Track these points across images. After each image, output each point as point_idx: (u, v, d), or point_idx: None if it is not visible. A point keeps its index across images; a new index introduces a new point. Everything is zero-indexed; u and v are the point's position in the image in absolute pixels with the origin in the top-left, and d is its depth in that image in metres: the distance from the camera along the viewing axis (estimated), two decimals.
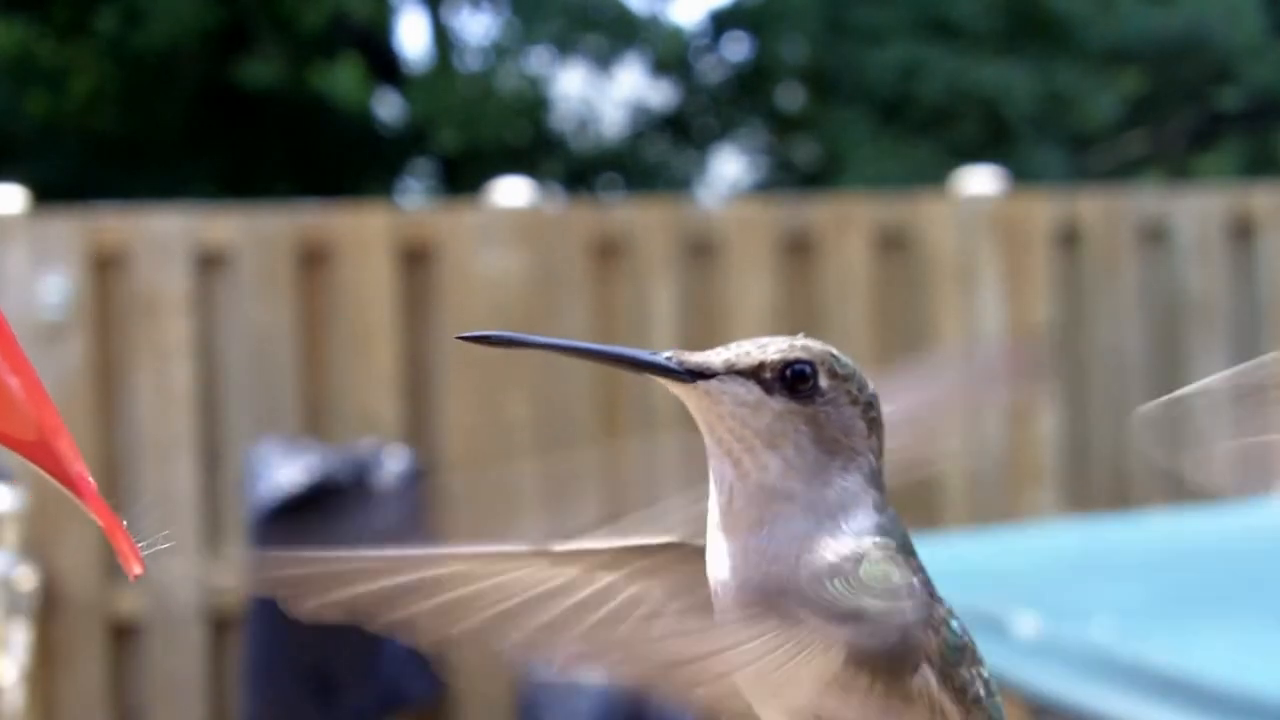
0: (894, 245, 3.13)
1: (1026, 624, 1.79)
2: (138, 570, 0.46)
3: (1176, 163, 9.09)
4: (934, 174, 4.33)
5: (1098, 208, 3.29)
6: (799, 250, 3.10)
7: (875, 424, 0.58)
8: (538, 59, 7.93)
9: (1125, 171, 8.39)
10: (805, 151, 8.42)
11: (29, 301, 2.83)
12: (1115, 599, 1.89)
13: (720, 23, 8.11)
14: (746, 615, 0.55)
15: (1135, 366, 3.24)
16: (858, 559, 0.55)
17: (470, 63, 8.28)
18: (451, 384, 2.97)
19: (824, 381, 0.57)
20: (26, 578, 2.54)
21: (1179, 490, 3.19)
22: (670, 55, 7.91)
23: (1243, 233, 3.31)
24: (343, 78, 8.49)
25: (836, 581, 0.55)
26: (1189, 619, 1.78)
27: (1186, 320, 3.27)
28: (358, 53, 8.48)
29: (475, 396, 2.97)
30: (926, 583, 0.58)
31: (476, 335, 0.56)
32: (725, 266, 3.06)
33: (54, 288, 2.84)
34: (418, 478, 2.84)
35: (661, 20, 8.07)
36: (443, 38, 8.42)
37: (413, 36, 18.68)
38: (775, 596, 0.54)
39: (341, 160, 7.94)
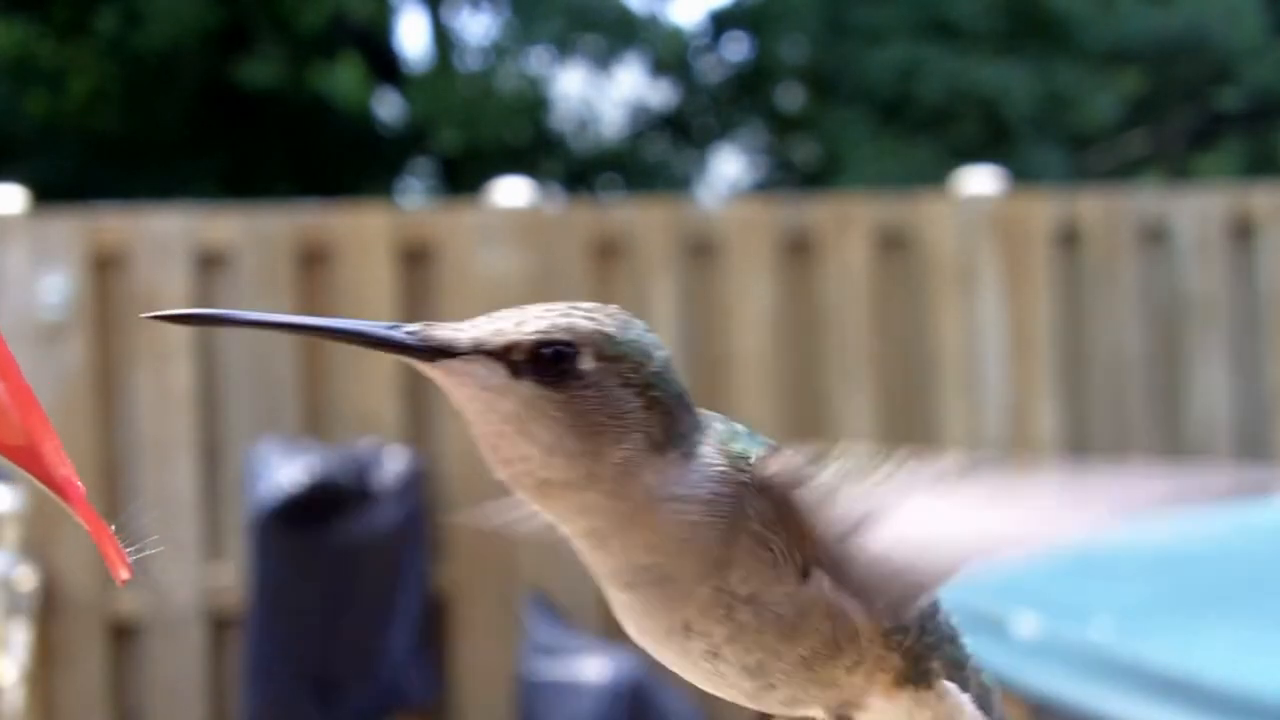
0: (894, 245, 3.13)
1: (1026, 624, 1.79)
2: (125, 575, 0.46)
3: (1176, 163, 9.08)
4: (934, 174, 4.33)
5: (1098, 208, 3.29)
6: (799, 250, 3.10)
7: (657, 403, 0.53)
8: (537, 59, 7.93)
9: (1125, 171, 8.39)
10: (805, 151, 8.42)
11: (29, 301, 2.83)
12: (1115, 599, 1.89)
13: (720, 23, 8.12)
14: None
15: (1135, 366, 3.24)
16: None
17: (470, 63, 8.28)
18: None
19: (586, 364, 0.52)
20: (26, 578, 2.53)
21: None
22: (670, 55, 7.91)
23: (1243, 233, 3.31)
24: (343, 78, 8.48)
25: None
26: (1189, 619, 1.78)
27: (1186, 320, 3.27)
28: (358, 53, 8.47)
29: None
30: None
31: (177, 314, 0.51)
32: (725, 266, 3.06)
33: (54, 288, 2.84)
34: (418, 478, 2.84)
35: (661, 20, 8.08)
36: (443, 38, 8.42)
37: (413, 36, 18.69)
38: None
39: (341, 160, 7.94)
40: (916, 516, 0.52)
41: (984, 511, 0.52)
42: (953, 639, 0.58)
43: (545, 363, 0.51)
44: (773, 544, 0.53)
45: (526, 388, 0.51)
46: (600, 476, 0.52)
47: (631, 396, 0.52)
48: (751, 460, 0.54)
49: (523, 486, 0.53)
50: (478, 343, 0.52)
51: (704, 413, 0.56)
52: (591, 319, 0.52)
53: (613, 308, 0.54)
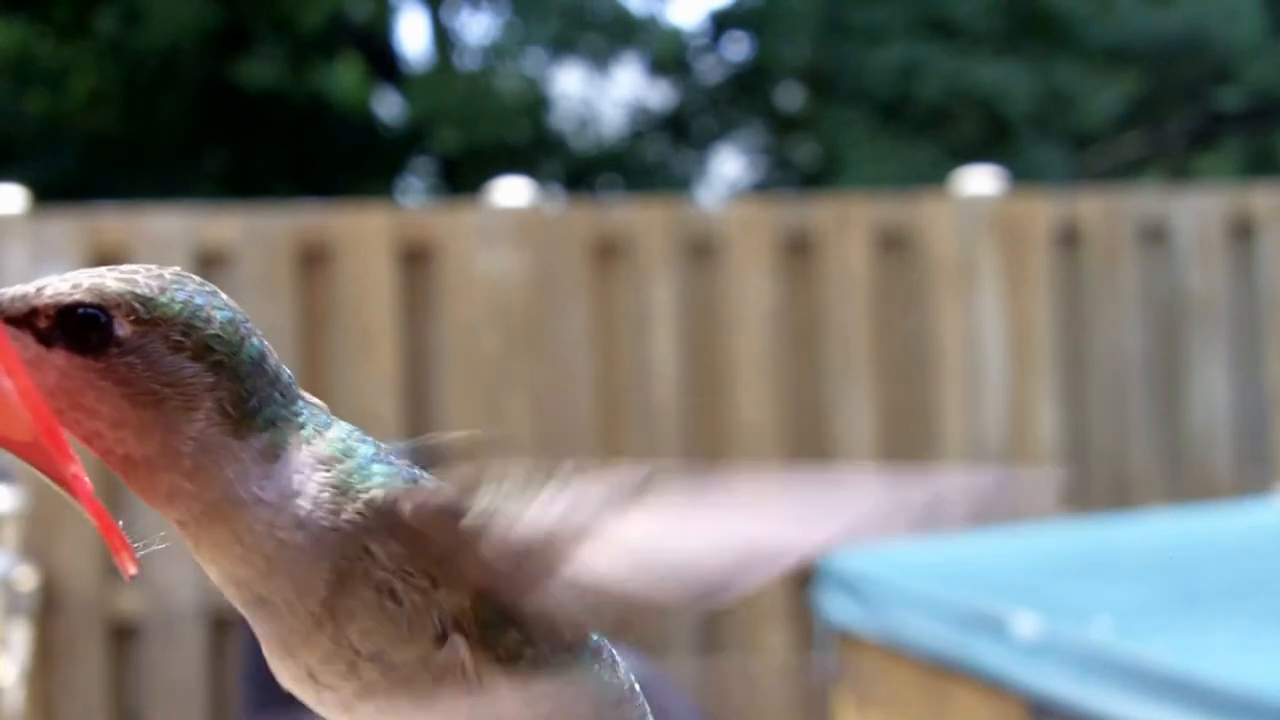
0: (894, 245, 3.13)
1: (1026, 624, 1.79)
2: (133, 570, 0.46)
3: (1176, 163, 9.08)
4: (934, 174, 4.33)
5: (1098, 208, 3.29)
6: (799, 250, 3.10)
7: (223, 368, 0.47)
8: (537, 59, 7.93)
9: (1125, 171, 8.39)
10: (805, 151, 8.42)
11: None
12: (1115, 599, 1.89)
13: (720, 23, 8.12)
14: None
15: (1135, 366, 3.24)
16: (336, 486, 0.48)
17: (470, 63, 8.28)
18: (451, 384, 2.97)
19: (122, 329, 0.46)
20: (26, 578, 2.54)
21: (1179, 490, 3.19)
22: (669, 55, 7.92)
23: (1243, 233, 3.31)
24: (343, 77, 8.48)
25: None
26: (1189, 619, 1.78)
27: (1186, 320, 3.27)
28: (358, 52, 8.47)
29: (475, 396, 2.97)
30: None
31: None
32: (725, 266, 3.06)
33: None
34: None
35: (661, 20, 8.08)
36: (442, 38, 8.42)
37: (413, 36, 18.69)
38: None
39: (341, 160, 7.94)
40: (622, 534, 0.46)
41: (703, 524, 0.46)
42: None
43: (76, 329, 0.46)
44: (403, 597, 0.47)
45: (60, 357, 0.46)
46: (178, 453, 0.47)
47: (186, 362, 0.47)
48: (376, 494, 0.48)
49: (112, 466, 0.48)
50: (3, 308, 0.46)
51: (317, 407, 0.51)
52: (124, 280, 0.47)
53: (168, 269, 0.49)
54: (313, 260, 2.95)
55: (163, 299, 0.47)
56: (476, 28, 8.50)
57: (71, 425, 0.47)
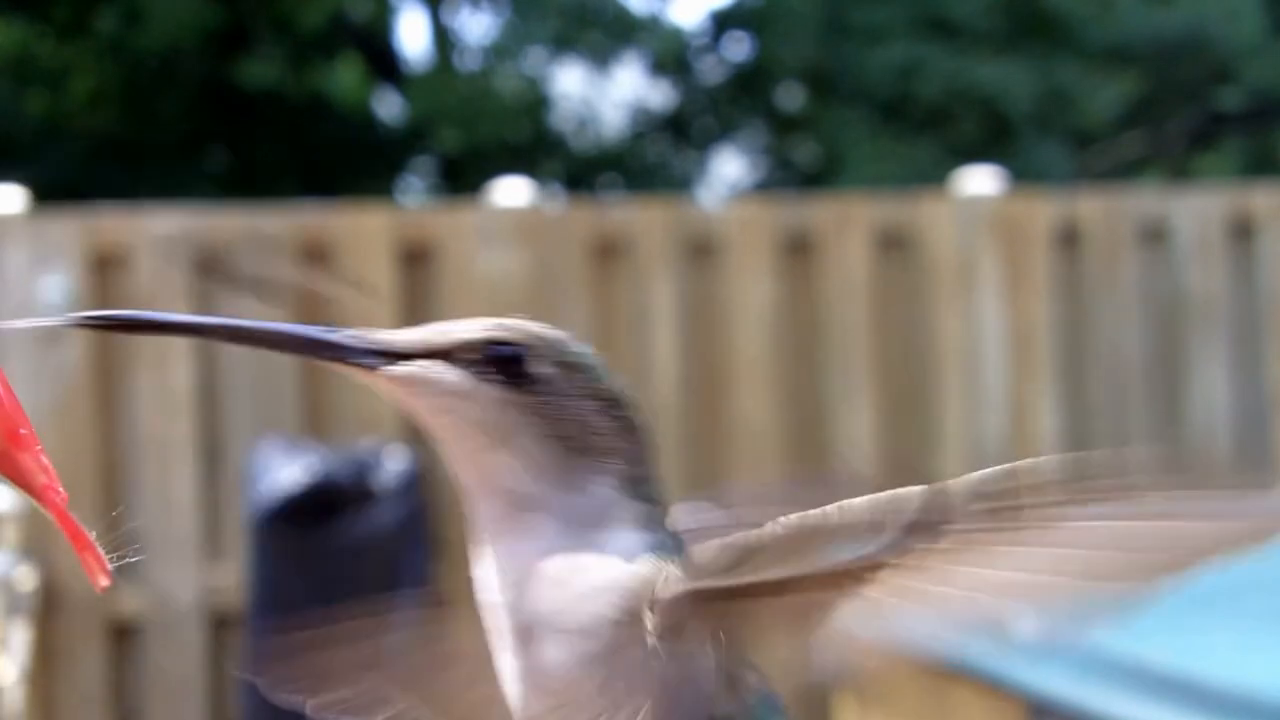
0: (894, 245, 3.13)
1: (1026, 624, 1.79)
2: (104, 582, 0.46)
3: (1176, 163, 9.08)
4: (934, 174, 4.33)
5: (1098, 208, 3.29)
6: (799, 250, 3.10)
7: (628, 425, 0.49)
8: (537, 59, 7.93)
9: (1125, 171, 8.39)
10: (805, 151, 8.42)
11: (29, 301, 2.83)
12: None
13: (720, 23, 8.12)
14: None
15: (1135, 366, 3.24)
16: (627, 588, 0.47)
17: (470, 62, 8.28)
18: None
19: (543, 368, 0.48)
20: (26, 578, 2.54)
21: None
22: (670, 55, 7.91)
23: (1243, 233, 3.31)
24: (343, 77, 8.48)
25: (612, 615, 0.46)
26: (1189, 619, 1.78)
27: (1186, 320, 3.27)
28: (358, 52, 8.48)
29: None
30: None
31: (99, 316, 0.45)
32: (725, 266, 3.06)
33: (54, 288, 2.84)
34: (418, 478, 2.84)
35: (661, 20, 8.08)
36: (442, 37, 8.42)
37: (413, 36, 18.69)
38: (550, 629, 0.47)
39: (341, 160, 7.94)
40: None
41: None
42: None
43: (499, 364, 0.47)
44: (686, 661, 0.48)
45: (494, 389, 0.47)
46: (570, 504, 0.47)
47: (596, 412, 0.48)
48: (674, 571, 0.48)
49: (496, 501, 0.48)
50: (425, 344, 0.48)
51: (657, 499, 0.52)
52: (540, 327, 0.49)
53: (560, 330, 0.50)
54: (313, 260, 2.95)
55: (573, 347, 0.50)
56: (476, 28, 8.51)
57: (482, 456, 0.47)
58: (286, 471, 2.71)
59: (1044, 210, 3.22)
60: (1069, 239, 3.22)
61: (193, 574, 2.87)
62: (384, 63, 8.52)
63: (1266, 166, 8.03)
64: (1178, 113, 8.58)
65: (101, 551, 0.46)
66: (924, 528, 0.46)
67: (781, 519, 0.48)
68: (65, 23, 7.40)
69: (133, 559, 0.48)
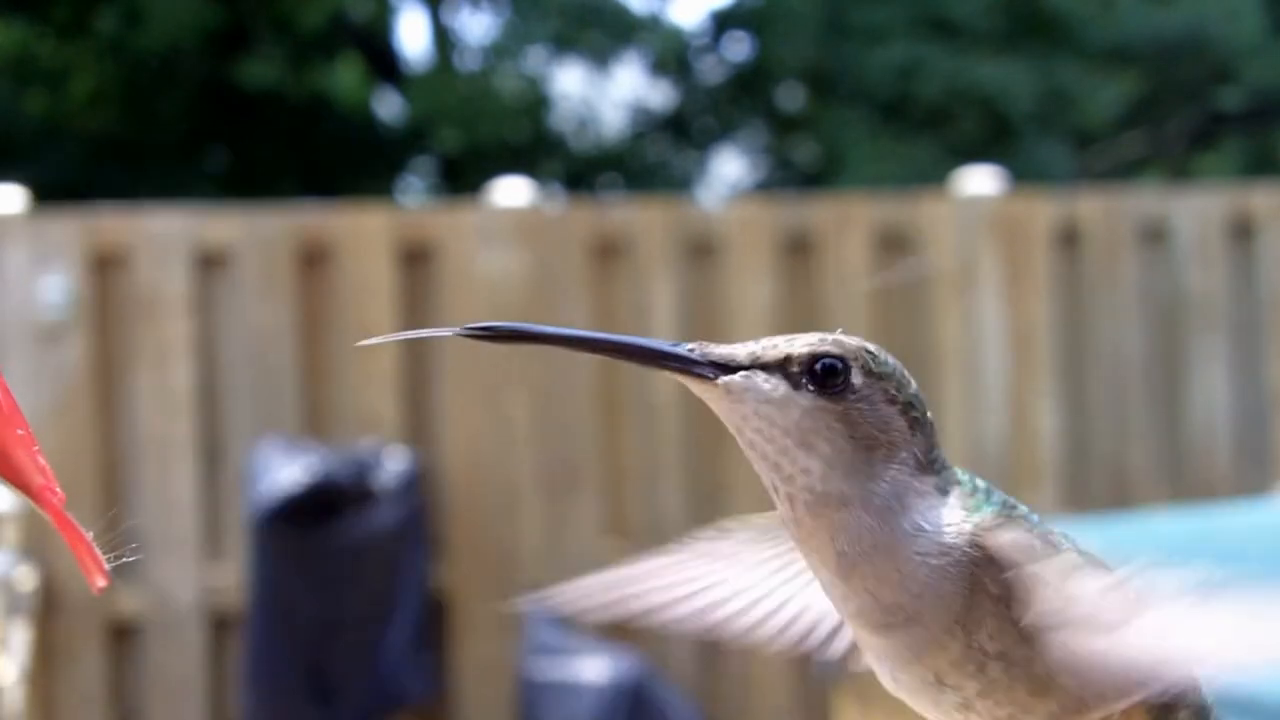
0: (894, 245, 3.13)
1: None
2: (101, 583, 0.46)
3: (1176, 163, 9.08)
4: (934, 174, 4.33)
5: (1098, 208, 3.29)
6: (799, 250, 3.10)
7: (919, 423, 0.55)
8: (537, 59, 7.93)
9: (1125, 171, 8.39)
10: (805, 151, 8.42)
11: (29, 301, 2.83)
12: None
13: (720, 22, 8.12)
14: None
15: (1135, 366, 3.24)
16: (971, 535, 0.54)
17: (470, 62, 8.28)
18: (451, 384, 2.97)
19: (857, 378, 0.54)
20: (26, 578, 2.54)
21: (1179, 490, 3.19)
22: (670, 55, 7.92)
23: (1243, 233, 3.31)
24: (343, 77, 8.49)
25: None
26: None
27: (1186, 320, 3.27)
28: (358, 52, 8.48)
29: (475, 396, 2.97)
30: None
31: (481, 327, 0.53)
32: (725, 266, 3.06)
33: (54, 288, 2.84)
34: (418, 478, 2.84)
35: (661, 20, 8.08)
36: (443, 37, 8.42)
37: (413, 36, 18.69)
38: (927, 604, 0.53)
39: (341, 160, 7.94)
40: (1146, 626, 0.53)
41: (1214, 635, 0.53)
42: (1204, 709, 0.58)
43: (820, 376, 0.54)
44: (1014, 607, 0.54)
45: (807, 399, 0.53)
46: (872, 494, 0.53)
47: (896, 415, 0.54)
48: (986, 522, 0.55)
49: (796, 503, 0.53)
50: (755, 357, 0.54)
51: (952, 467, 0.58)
52: (855, 340, 0.55)
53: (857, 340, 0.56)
54: (313, 260, 2.95)
55: (883, 358, 0.55)
56: (476, 28, 8.51)
57: (786, 463, 0.53)
58: (286, 471, 2.71)
59: (1044, 210, 3.23)
60: (1069, 239, 3.22)
61: (193, 574, 2.87)
62: (384, 63, 8.52)
63: (1266, 166, 8.03)
64: (1178, 113, 8.58)
65: (99, 552, 0.46)
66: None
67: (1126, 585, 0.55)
68: (65, 23, 7.40)
69: (131, 559, 0.48)
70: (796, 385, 0.54)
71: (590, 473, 2.99)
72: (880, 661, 0.57)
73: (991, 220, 3.15)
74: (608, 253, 3.03)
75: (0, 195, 2.89)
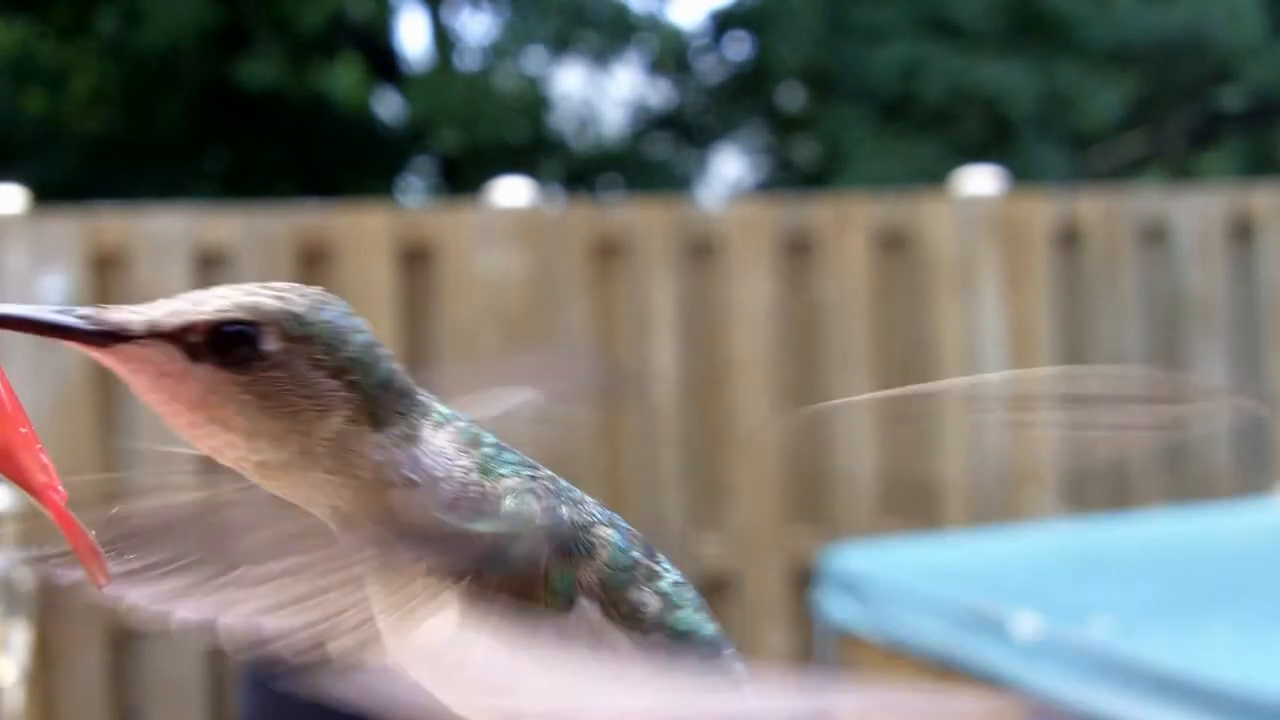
0: (894, 245, 3.13)
1: (1026, 624, 1.79)
2: (103, 581, 0.46)
3: (1176, 163, 9.09)
4: (934, 173, 4.33)
5: (1098, 208, 3.29)
6: (799, 250, 3.10)
7: (357, 387, 0.49)
8: (537, 59, 7.93)
9: (1125, 171, 8.39)
10: (806, 151, 8.42)
11: (29, 301, 2.82)
12: (1115, 599, 1.89)
13: (721, 22, 8.12)
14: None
15: (1135, 366, 3.24)
16: (464, 494, 0.50)
17: (470, 62, 8.28)
18: (451, 383, 2.97)
19: (271, 345, 0.48)
20: (27, 578, 2.53)
21: (1179, 490, 3.19)
22: (670, 55, 7.92)
23: (1243, 233, 3.31)
24: (343, 78, 8.48)
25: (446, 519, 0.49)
26: (1189, 619, 1.78)
27: (1186, 320, 3.27)
28: (358, 53, 8.48)
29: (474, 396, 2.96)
30: (559, 494, 0.52)
31: None
32: (725, 266, 3.06)
33: (54, 288, 2.85)
34: None
35: (661, 20, 8.08)
36: (442, 37, 8.42)
37: (413, 36, 18.69)
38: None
39: (341, 160, 7.94)
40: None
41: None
42: (656, 573, 0.53)
43: (226, 344, 0.48)
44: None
45: (205, 371, 0.48)
46: (316, 454, 0.49)
47: (324, 378, 0.49)
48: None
49: (245, 471, 0.50)
50: (153, 325, 0.48)
51: (445, 408, 0.53)
52: (280, 298, 0.49)
53: (312, 289, 0.50)
54: (313, 260, 2.95)
55: (311, 318, 0.49)
56: (476, 28, 8.51)
57: (203, 438, 0.49)
58: None
59: (1044, 210, 3.23)
60: (1069, 239, 3.22)
61: None
62: (384, 63, 8.52)
63: (1266, 166, 8.03)
64: (1178, 113, 8.59)
65: (101, 551, 0.46)
66: None
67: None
68: (65, 23, 7.41)
69: (130, 558, 0.48)
70: (197, 356, 0.48)
71: (591, 472, 2.98)
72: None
73: (991, 220, 3.16)
74: (608, 253, 3.04)
75: (0, 195, 2.89)
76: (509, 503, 0.50)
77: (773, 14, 7.46)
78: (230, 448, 0.49)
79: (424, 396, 0.53)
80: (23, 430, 0.45)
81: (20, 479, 0.45)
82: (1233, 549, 2.19)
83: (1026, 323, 3.16)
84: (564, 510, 0.51)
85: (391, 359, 0.51)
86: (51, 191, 3.55)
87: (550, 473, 0.53)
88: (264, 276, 2.34)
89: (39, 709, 2.74)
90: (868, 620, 2.12)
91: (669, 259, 3.04)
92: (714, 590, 2.95)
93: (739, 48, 8.24)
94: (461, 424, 0.53)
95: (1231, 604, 1.86)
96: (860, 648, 2.17)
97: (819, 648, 2.36)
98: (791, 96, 8.40)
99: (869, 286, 3.10)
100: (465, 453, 0.51)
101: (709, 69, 8.36)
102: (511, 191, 3.06)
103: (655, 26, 7.98)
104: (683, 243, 3.05)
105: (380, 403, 0.50)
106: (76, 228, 2.89)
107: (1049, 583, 2.02)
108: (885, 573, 2.14)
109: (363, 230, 2.97)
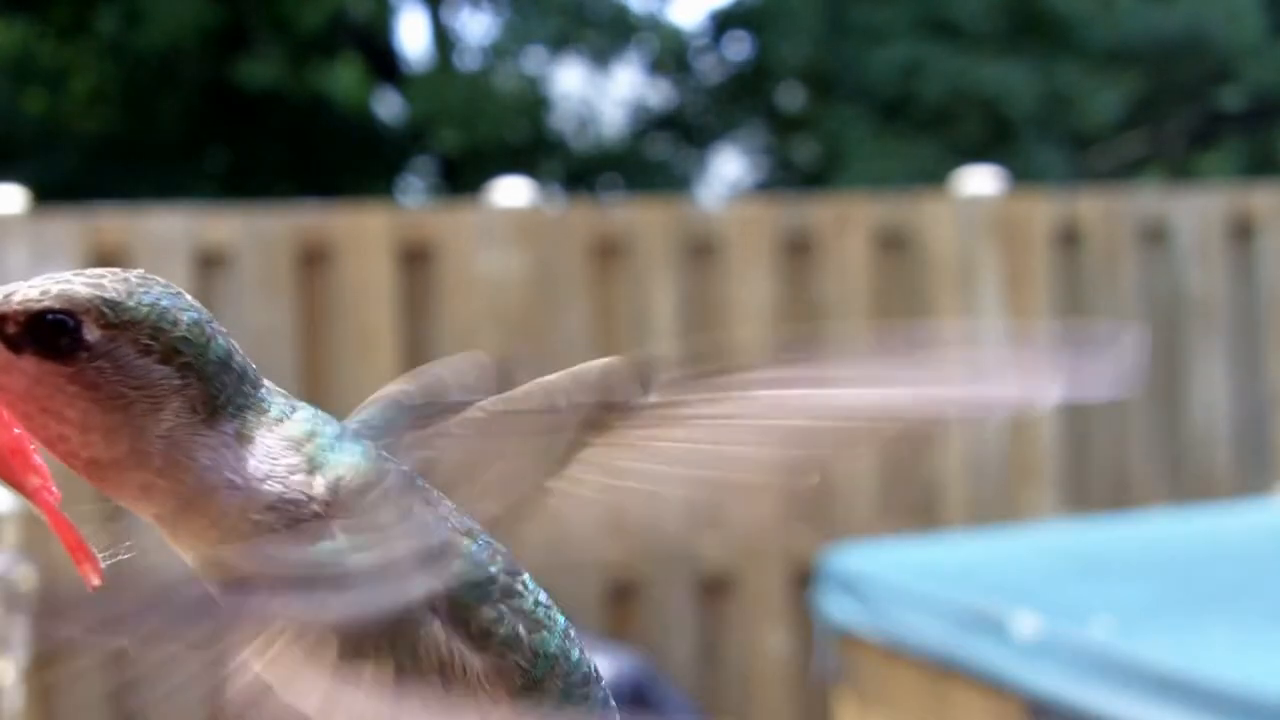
0: (894, 245, 3.13)
1: (1026, 624, 1.79)
2: (96, 581, 0.46)
3: (1176, 163, 9.09)
4: (935, 173, 4.33)
5: (1098, 208, 3.29)
6: (799, 250, 3.10)
7: (190, 370, 0.48)
8: (537, 59, 7.93)
9: (1125, 171, 8.39)
10: (805, 151, 8.42)
11: None
12: (1115, 599, 1.89)
13: (720, 22, 8.12)
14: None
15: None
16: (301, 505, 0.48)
17: (470, 62, 8.28)
18: None
19: (91, 334, 0.46)
20: (26, 577, 2.53)
21: (1179, 490, 3.19)
22: (670, 55, 7.92)
23: (1243, 233, 3.31)
24: (343, 78, 8.49)
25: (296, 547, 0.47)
26: (1189, 619, 1.78)
27: (1186, 320, 3.27)
28: (358, 52, 8.48)
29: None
30: (406, 491, 0.50)
31: None
32: (725, 266, 3.06)
33: None
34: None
35: (661, 20, 8.08)
36: (442, 37, 8.42)
37: (413, 36, 18.69)
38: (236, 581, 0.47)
39: (341, 160, 7.94)
40: None
41: None
42: (514, 590, 0.52)
43: (46, 334, 0.46)
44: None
45: (29, 363, 0.46)
46: (148, 454, 0.47)
47: (155, 364, 0.47)
48: (343, 474, 0.48)
49: (76, 469, 0.48)
50: None
51: (282, 394, 0.51)
52: (92, 284, 0.48)
53: (132, 272, 0.49)
54: (313, 260, 2.95)
55: (130, 303, 0.48)
56: (476, 27, 8.51)
57: (38, 430, 0.47)
58: None
59: (1044, 210, 3.23)
60: (1069, 239, 3.22)
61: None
62: (384, 63, 8.52)
63: (1266, 166, 8.03)
64: (1178, 113, 8.59)
65: (95, 551, 0.46)
66: (620, 403, 0.50)
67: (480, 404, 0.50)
68: (65, 23, 7.41)
69: (127, 558, 0.49)
70: (18, 348, 0.46)
71: None
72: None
73: (992, 220, 3.16)
74: (608, 253, 3.04)
75: (0, 195, 2.89)
76: (333, 490, 0.48)
77: (772, 14, 7.46)
78: (63, 441, 0.47)
79: (269, 387, 0.50)
80: (16, 431, 0.45)
81: (14, 481, 0.46)
82: (1233, 549, 2.19)
83: (1026, 323, 3.16)
84: (395, 511, 0.49)
85: (228, 337, 0.50)
86: (51, 191, 3.55)
87: (406, 469, 0.50)
88: (264, 276, 2.35)
89: (39, 709, 2.74)
90: (868, 620, 2.12)
91: (669, 259, 3.04)
92: (714, 590, 2.96)
93: (739, 48, 8.24)
94: (303, 415, 0.50)
95: (1231, 604, 1.86)
96: (860, 648, 2.17)
97: (819, 648, 2.36)
98: (791, 96, 8.40)
99: (869, 286, 3.10)
100: (296, 449, 0.49)
101: (709, 69, 8.36)
102: (511, 191, 3.06)
103: (655, 26, 7.98)
104: (683, 243, 3.06)
105: (219, 384, 0.48)
106: (76, 228, 2.89)
107: (1049, 583, 2.02)
108: (885, 573, 2.14)
109: (363, 230, 2.97)
